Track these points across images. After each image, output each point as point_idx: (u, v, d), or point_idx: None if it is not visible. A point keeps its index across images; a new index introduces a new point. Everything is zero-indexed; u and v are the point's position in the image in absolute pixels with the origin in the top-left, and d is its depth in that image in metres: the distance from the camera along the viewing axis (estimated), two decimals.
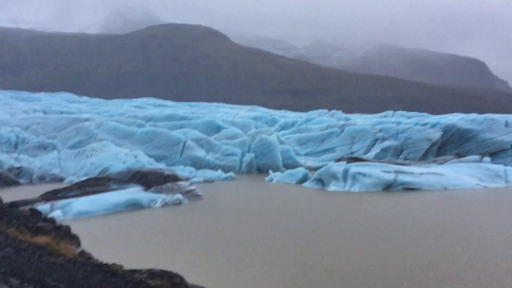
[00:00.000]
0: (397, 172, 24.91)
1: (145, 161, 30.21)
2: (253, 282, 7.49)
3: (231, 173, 30.97)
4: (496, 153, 43.41)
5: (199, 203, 17.72)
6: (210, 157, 36.77)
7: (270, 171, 31.16)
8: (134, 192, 18.89)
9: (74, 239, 7.71)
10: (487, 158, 36.33)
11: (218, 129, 45.41)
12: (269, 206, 17.16)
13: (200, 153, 36.96)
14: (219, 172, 31.11)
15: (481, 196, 22.08)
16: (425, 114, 56.73)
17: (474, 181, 26.34)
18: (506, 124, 46.91)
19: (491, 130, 45.85)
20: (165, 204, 17.52)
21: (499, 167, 29.51)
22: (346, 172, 24.49)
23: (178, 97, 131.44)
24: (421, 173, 25.49)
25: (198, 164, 35.64)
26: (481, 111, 66.71)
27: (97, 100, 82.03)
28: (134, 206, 17.27)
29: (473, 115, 50.51)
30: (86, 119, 44.20)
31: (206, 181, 28.13)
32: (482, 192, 23.51)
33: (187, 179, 23.33)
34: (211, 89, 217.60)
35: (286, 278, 7.79)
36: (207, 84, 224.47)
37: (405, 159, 42.99)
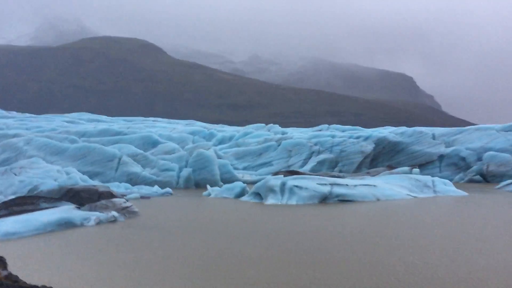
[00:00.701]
0: (332, 184, 25.50)
1: (78, 178, 29.16)
2: None
3: (168, 189, 30.54)
4: (424, 164, 45.51)
5: (135, 220, 17.34)
6: (147, 172, 36.13)
7: (208, 186, 31.00)
8: (66, 211, 18.16)
9: (0, 262, 7.32)
10: (416, 170, 38.00)
11: (154, 144, 44.73)
12: (206, 221, 17.05)
13: (136, 168, 36.22)
14: (156, 188, 30.58)
15: (411, 205, 23.01)
16: (358, 127, 58.59)
17: (404, 191, 27.42)
18: (433, 137, 49.30)
19: (420, 143, 48.03)
20: (99, 222, 16.96)
21: (427, 178, 30.86)
22: (283, 185, 24.79)
23: (113, 112, 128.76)
24: (355, 185, 26.22)
25: (134, 180, 34.91)
26: (410, 124, 69.76)
27: (26, 115, 78.52)
28: (66, 225, 16.60)
29: (403, 128, 52.75)
30: (14, 135, 42.26)
31: (142, 197, 27.56)
32: (412, 202, 24.50)
33: (122, 195, 22.73)
34: (147, 104, 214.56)
35: None
36: (143, 98, 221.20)
37: (340, 171, 44.12)
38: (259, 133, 57.75)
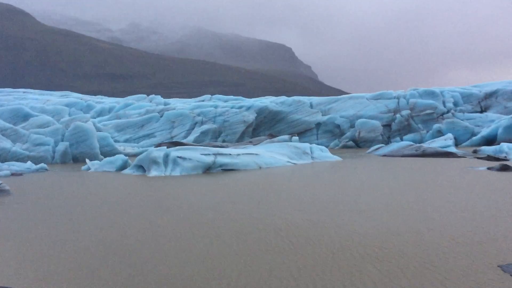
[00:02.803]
0: (216, 154, 25.73)
1: None
2: (62, 279, 7.10)
3: (43, 164, 28.75)
4: (303, 132, 47.62)
5: (7, 199, 16.09)
6: (18, 148, 33.64)
7: (87, 160, 29.68)
8: None
9: None
10: (295, 138, 39.64)
11: (26, 117, 41.71)
12: (86, 196, 16.35)
13: (5, 144, 33.53)
14: (29, 164, 28.62)
15: (290, 171, 24.01)
16: (240, 97, 59.45)
17: (285, 159, 28.54)
18: (311, 106, 51.62)
19: (299, 112, 50.03)
20: None
21: (305, 145, 32.38)
22: (166, 157, 24.52)
23: None
24: (238, 154, 26.73)
25: (3, 156, 32.36)
26: (289, 94, 72.20)
27: None
28: None
29: (283, 98, 54.53)
30: None
31: (14, 174, 25.68)
32: (292, 168, 25.59)
33: None
34: (16, 74, 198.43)
35: (96, 272, 7.54)
36: (11, 68, 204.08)
37: (223, 141, 44.66)
38: (140, 104, 56.23)
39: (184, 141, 41.28)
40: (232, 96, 61.28)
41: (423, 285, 6.75)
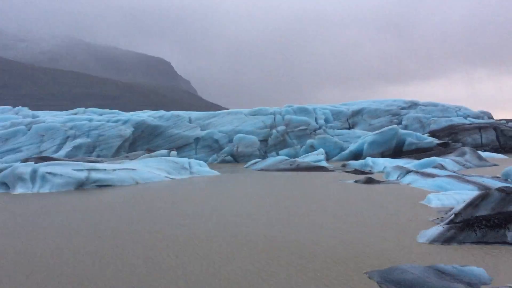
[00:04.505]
0: (89, 169, 24.55)
1: None
2: None
3: None
4: (181, 147, 47.35)
5: None
6: None
7: None
8: None
9: None
10: (174, 152, 39.27)
11: None
12: None
13: None
14: None
15: (168, 186, 23.67)
16: (117, 111, 57.50)
17: (163, 174, 28.08)
18: (190, 121, 51.59)
19: (177, 126, 49.69)
20: None
21: (184, 160, 32.19)
22: (34, 172, 22.84)
23: None
24: (114, 169, 25.75)
25: None
26: (168, 108, 71.45)
27: None
28: None
29: (161, 112, 53.83)
30: None
31: None
32: (170, 183, 25.23)
33: None
34: None
35: None
36: None
37: (98, 156, 42.80)
38: (5, 117, 51.95)
39: (54, 156, 38.83)
40: (108, 110, 58.98)
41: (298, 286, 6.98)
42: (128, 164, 29.93)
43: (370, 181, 23.79)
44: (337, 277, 7.92)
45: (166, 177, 27.61)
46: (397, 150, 43.46)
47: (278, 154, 46.35)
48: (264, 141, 49.03)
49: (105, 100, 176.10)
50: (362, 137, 46.66)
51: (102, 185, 23.56)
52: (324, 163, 36.70)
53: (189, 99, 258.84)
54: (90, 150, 43.89)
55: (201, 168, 31.77)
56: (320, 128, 51.89)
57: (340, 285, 7.49)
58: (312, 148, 46.18)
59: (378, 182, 23.79)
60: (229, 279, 7.78)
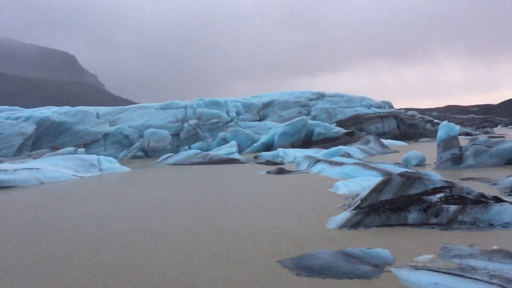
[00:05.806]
0: None
1: None
2: None
3: None
4: (89, 143, 45.59)
5: None
6: None
7: None
8: None
9: None
10: (81, 149, 37.77)
11: None
12: None
13: None
14: None
15: (76, 185, 22.75)
16: (17, 107, 54.08)
17: (70, 172, 26.90)
18: (98, 116, 49.79)
19: (84, 122, 47.80)
20: None
21: (93, 157, 31.06)
22: None
23: None
24: (16, 170, 24.29)
25: None
26: (74, 103, 68.40)
27: None
28: None
29: (66, 108, 51.49)
30: None
31: None
32: (78, 182, 24.24)
33: None
34: None
35: None
36: None
37: None
38: None
39: None
40: (7, 107, 55.30)
41: (212, 276, 7.05)
42: (31, 163, 28.37)
43: (281, 171, 24.37)
44: (249, 264, 8.09)
45: (74, 175, 26.49)
46: (307, 140, 44.87)
47: (190, 148, 46.08)
48: (175, 135, 48.51)
49: (3, 96, 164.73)
50: (273, 128, 47.59)
51: (2, 187, 22.13)
52: (236, 155, 37.03)
53: (96, 94, 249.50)
54: None
55: (111, 164, 30.82)
56: (231, 120, 52.22)
57: (252, 275, 7.65)
58: (225, 141, 46.38)
59: (289, 172, 24.43)
60: (152, 274, 7.69)
